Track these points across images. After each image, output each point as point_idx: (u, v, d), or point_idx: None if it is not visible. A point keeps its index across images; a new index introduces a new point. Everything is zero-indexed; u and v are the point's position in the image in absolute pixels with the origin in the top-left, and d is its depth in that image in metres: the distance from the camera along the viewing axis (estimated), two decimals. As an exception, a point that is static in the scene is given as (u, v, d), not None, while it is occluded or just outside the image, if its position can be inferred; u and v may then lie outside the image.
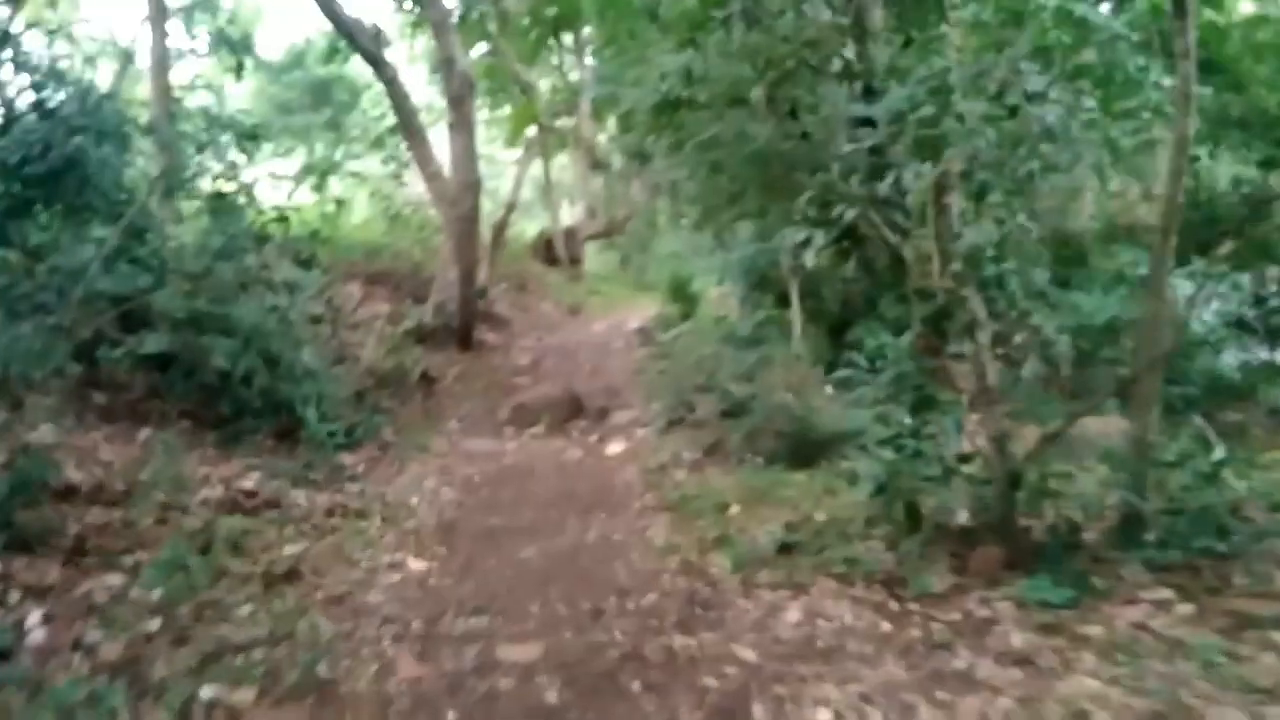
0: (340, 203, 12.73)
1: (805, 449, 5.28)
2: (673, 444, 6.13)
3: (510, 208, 12.69)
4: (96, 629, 3.19)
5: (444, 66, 10.00)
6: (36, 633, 3.13)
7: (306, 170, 16.87)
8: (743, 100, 7.59)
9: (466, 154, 10.33)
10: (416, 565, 4.18)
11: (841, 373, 4.36)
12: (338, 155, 18.04)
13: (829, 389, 5.74)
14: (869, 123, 4.07)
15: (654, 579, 3.89)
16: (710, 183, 8.54)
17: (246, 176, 6.05)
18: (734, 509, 4.64)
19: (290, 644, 3.17)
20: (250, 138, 6.06)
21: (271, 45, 20.47)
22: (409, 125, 10.31)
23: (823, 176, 4.33)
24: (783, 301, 7.48)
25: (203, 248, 5.53)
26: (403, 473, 5.97)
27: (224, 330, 5.68)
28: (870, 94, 7.54)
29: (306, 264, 8.33)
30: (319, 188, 15.38)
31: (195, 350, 5.51)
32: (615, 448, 6.40)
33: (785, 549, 3.92)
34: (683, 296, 13.15)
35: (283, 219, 6.38)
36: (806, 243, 4.10)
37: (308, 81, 19.49)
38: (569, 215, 23.90)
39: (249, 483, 5.11)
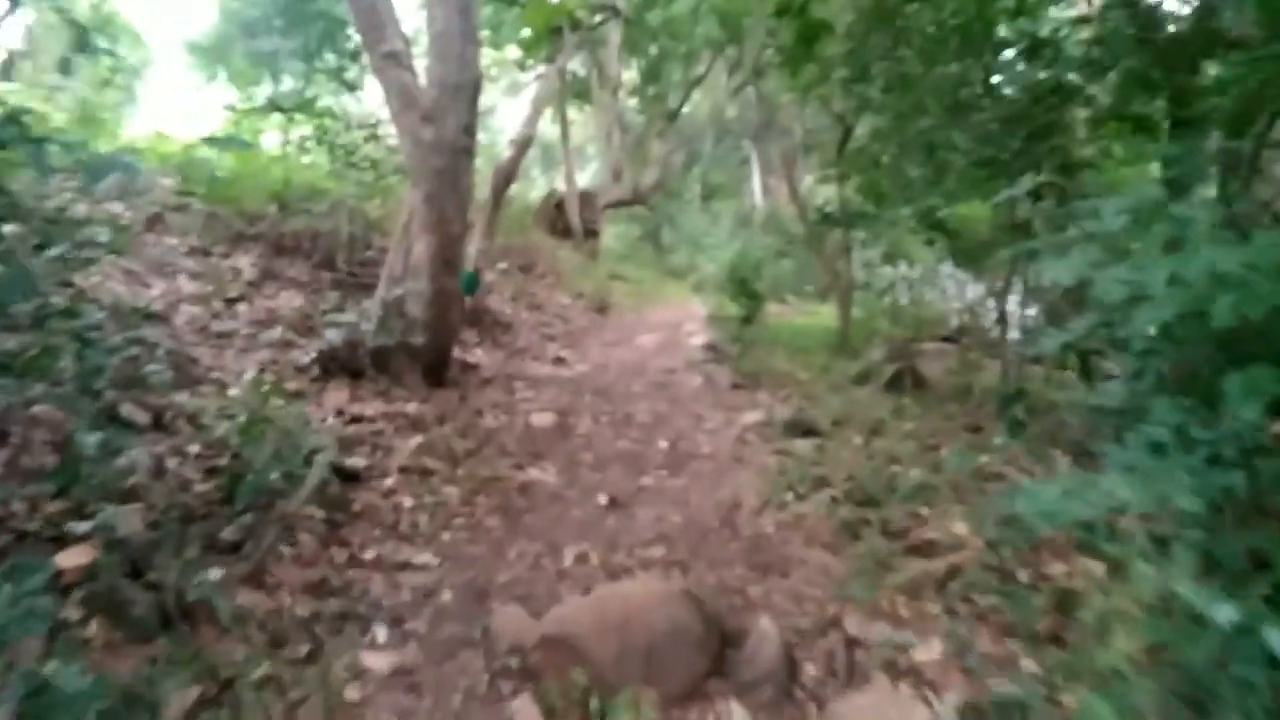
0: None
1: None
2: None
3: (525, 144, 7.82)
4: None
5: None
6: None
7: (271, 104, 12.37)
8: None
9: (458, 32, 5.51)
10: None
11: None
12: (309, 91, 13.81)
13: None
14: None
15: None
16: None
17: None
18: None
19: None
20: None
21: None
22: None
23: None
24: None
25: None
26: None
27: None
28: None
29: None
30: (286, 126, 10.78)
31: None
32: None
33: None
34: (747, 293, 9.84)
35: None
36: None
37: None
38: (580, 176, 19.39)
39: None
